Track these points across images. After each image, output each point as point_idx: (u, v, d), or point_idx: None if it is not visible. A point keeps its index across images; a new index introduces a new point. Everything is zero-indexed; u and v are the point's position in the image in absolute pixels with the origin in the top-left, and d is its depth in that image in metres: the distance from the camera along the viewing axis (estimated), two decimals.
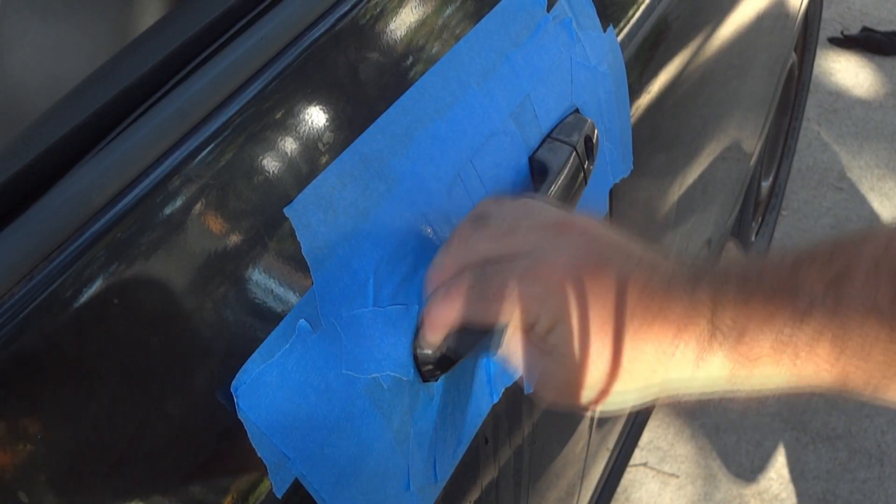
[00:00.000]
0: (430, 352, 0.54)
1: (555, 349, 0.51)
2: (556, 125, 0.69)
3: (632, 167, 0.82)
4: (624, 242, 0.52)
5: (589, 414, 0.96)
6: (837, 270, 0.45)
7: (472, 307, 0.52)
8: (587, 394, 0.52)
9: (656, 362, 0.49)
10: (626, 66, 0.80)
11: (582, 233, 0.52)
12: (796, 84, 2.10)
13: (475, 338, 0.54)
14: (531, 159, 0.66)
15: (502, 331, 0.52)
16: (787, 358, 0.46)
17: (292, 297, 0.48)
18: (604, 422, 1.08)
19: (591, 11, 0.75)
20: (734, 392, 0.50)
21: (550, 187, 0.65)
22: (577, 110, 0.72)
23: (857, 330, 0.44)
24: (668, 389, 0.51)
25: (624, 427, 1.30)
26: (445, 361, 0.55)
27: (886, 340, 0.44)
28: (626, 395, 0.52)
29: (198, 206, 0.46)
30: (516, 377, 0.66)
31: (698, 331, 0.48)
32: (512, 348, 0.53)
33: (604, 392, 0.51)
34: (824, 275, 0.45)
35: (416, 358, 0.55)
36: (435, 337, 0.53)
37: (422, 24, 0.61)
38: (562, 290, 0.50)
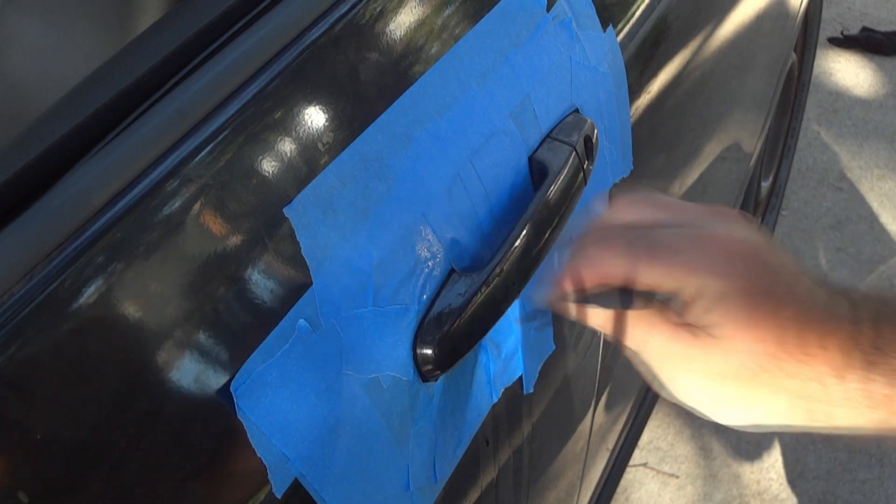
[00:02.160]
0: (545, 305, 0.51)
1: (710, 328, 0.46)
2: (556, 125, 0.69)
3: (631, 167, 0.82)
4: (775, 250, 0.48)
5: (591, 413, 0.95)
6: None
7: (636, 262, 0.48)
8: (727, 392, 0.47)
9: (796, 374, 0.45)
10: (626, 66, 0.80)
11: (739, 219, 0.49)
12: (796, 84, 2.11)
13: (608, 297, 0.50)
14: (531, 159, 0.66)
15: (643, 298, 0.49)
16: None
17: (292, 297, 0.48)
18: (604, 422, 1.08)
19: (591, 11, 0.75)
20: (885, 433, 0.46)
21: (550, 187, 0.65)
22: (576, 110, 0.72)
23: None
24: (812, 417, 0.47)
25: (624, 427, 1.30)
26: (447, 360, 0.55)
27: None
28: (750, 411, 0.47)
29: (197, 206, 0.46)
30: (516, 377, 0.66)
31: (854, 357, 0.44)
32: (651, 319, 0.49)
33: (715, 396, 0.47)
34: None
35: (415, 358, 0.55)
36: (585, 278, 0.50)
37: (422, 24, 0.61)
38: (737, 266, 0.46)
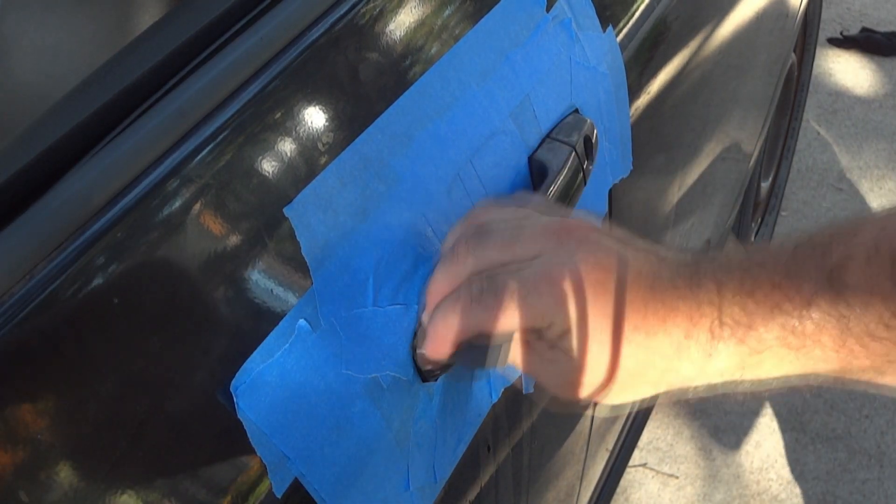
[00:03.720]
0: (432, 368, 0.54)
1: (564, 354, 0.51)
2: (556, 125, 0.69)
3: (631, 167, 0.82)
4: (622, 246, 0.52)
5: (591, 413, 0.96)
6: (838, 256, 0.46)
7: (483, 315, 0.51)
8: (593, 392, 0.53)
9: (670, 358, 0.50)
10: (626, 67, 0.80)
11: (582, 239, 0.52)
12: (796, 84, 2.11)
13: (478, 353, 0.53)
14: (531, 159, 0.66)
15: (508, 340, 0.52)
16: (794, 346, 0.47)
17: (292, 297, 0.48)
18: (603, 422, 1.08)
19: (591, 11, 0.75)
20: (740, 384, 0.50)
21: (550, 187, 0.65)
22: (576, 110, 0.72)
23: (861, 313, 0.45)
24: (678, 385, 0.51)
25: (623, 427, 1.30)
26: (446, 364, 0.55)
27: (889, 322, 0.44)
28: (635, 393, 0.52)
29: (197, 206, 0.46)
30: (515, 377, 0.66)
31: (707, 324, 0.48)
32: (519, 356, 0.53)
33: (605, 388, 0.52)
34: (826, 262, 0.46)
35: (415, 358, 0.55)
36: (443, 350, 0.53)
37: (421, 24, 0.61)
38: (571, 296, 0.51)
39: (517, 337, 0.52)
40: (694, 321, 0.49)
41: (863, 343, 0.45)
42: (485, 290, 0.52)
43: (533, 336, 0.52)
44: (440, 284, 0.54)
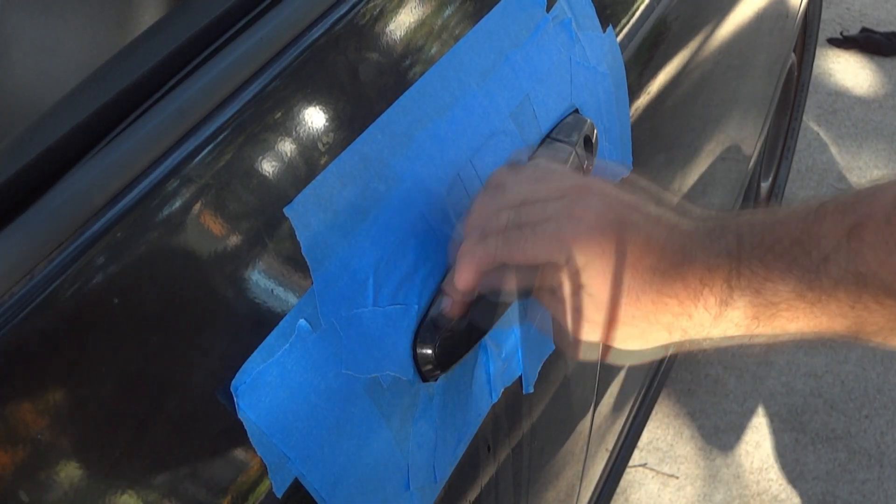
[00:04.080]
0: (452, 316, 0.55)
1: (580, 289, 0.53)
2: (556, 125, 0.69)
3: (631, 167, 0.82)
4: (642, 203, 0.54)
5: (591, 413, 0.96)
6: (857, 217, 0.46)
7: (512, 245, 0.53)
8: (606, 332, 0.54)
9: (679, 314, 0.51)
10: (626, 67, 0.80)
11: (601, 195, 0.54)
12: (796, 84, 2.11)
13: (503, 282, 0.55)
14: (531, 159, 0.66)
15: (532, 272, 0.54)
16: (810, 300, 0.47)
17: (292, 297, 0.48)
18: (604, 422, 1.08)
19: (591, 12, 0.75)
20: (755, 338, 0.51)
21: None
22: (576, 110, 0.72)
23: (875, 274, 0.45)
24: (691, 332, 0.52)
25: (623, 427, 1.30)
26: (447, 360, 0.55)
27: None
28: (647, 339, 0.53)
29: (198, 206, 0.46)
30: (517, 375, 0.66)
31: (724, 273, 0.49)
32: (539, 291, 0.55)
33: (612, 328, 0.53)
34: (845, 222, 0.47)
35: (415, 358, 0.55)
36: (469, 278, 0.55)
37: (421, 24, 0.61)
38: (589, 233, 0.52)
39: (540, 273, 0.54)
40: (711, 269, 0.49)
41: (878, 300, 0.46)
42: (511, 221, 0.54)
43: (552, 270, 0.53)
44: (475, 216, 0.56)
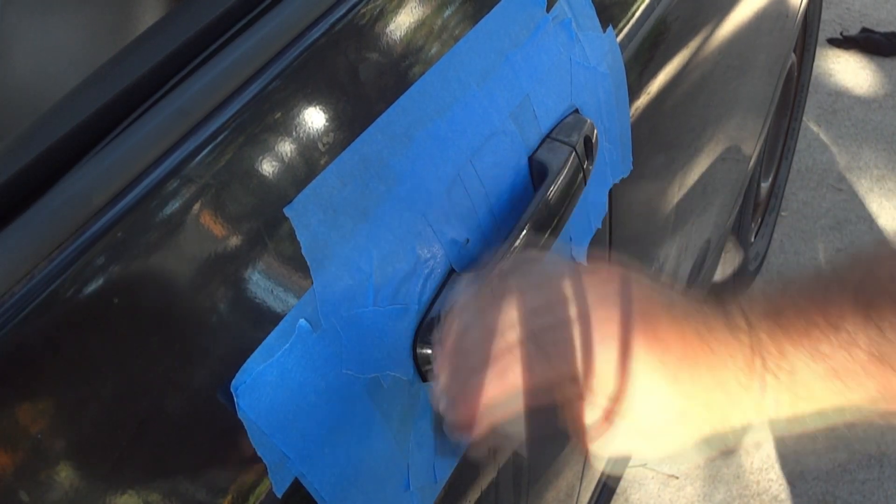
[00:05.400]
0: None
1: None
2: (556, 125, 0.69)
3: (631, 167, 0.82)
4: (650, 291, 0.51)
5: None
6: (860, 274, 0.46)
7: (538, 370, 0.50)
8: (653, 444, 0.51)
9: (714, 391, 0.49)
10: (626, 67, 0.80)
11: (610, 281, 0.51)
12: (796, 85, 2.10)
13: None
14: (531, 159, 0.66)
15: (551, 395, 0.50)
16: (828, 369, 0.46)
17: (292, 297, 0.48)
18: None
19: (591, 12, 0.75)
20: (788, 429, 0.50)
21: (550, 187, 0.65)
22: (576, 110, 0.72)
23: (890, 329, 0.44)
24: (728, 424, 0.50)
25: None
26: None
27: None
28: (689, 436, 0.51)
29: (198, 206, 0.46)
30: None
31: (742, 356, 0.48)
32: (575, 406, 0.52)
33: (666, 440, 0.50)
34: (848, 281, 0.46)
35: (415, 358, 0.55)
36: (473, 420, 0.51)
37: (421, 24, 0.61)
38: (617, 340, 0.49)
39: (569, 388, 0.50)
40: (729, 355, 0.48)
41: None
42: (534, 342, 0.50)
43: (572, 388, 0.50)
44: (455, 349, 0.52)
